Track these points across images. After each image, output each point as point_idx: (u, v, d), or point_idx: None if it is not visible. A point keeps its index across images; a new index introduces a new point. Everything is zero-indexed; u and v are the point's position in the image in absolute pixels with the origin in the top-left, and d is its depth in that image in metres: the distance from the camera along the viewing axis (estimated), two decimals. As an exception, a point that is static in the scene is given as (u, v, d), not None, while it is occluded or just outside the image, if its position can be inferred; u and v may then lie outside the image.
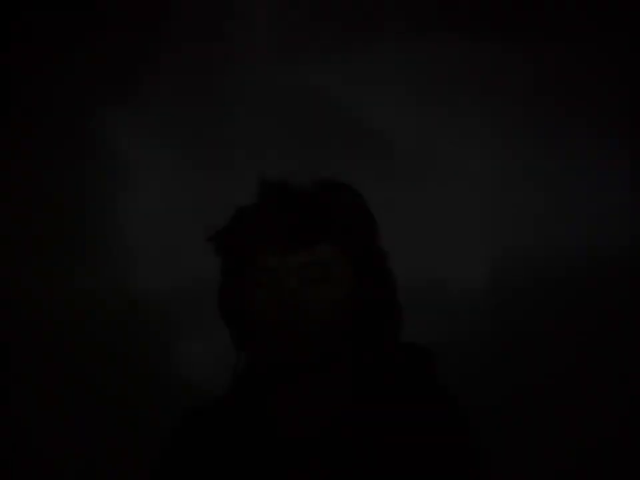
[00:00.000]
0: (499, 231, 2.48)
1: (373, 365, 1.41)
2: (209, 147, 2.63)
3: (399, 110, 2.53)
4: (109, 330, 2.62)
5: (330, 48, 2.58)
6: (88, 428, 2.59)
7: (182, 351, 2.61)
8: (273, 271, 1.35)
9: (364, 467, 1.33)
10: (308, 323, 1.33)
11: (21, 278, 2.67)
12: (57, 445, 2.60)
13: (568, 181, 2.46)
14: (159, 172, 2.66)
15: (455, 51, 2.51)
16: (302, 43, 2.58)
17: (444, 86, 2.53)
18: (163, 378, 2.59)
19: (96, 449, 2.57)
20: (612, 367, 2.38)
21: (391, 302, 1.41)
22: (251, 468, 1.38)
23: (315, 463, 1.36)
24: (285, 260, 1.34)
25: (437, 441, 1.33)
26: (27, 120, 2.71)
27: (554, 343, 2.41)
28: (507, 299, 2.45)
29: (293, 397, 1.40)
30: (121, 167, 2.69)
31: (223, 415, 1.44)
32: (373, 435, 1.34)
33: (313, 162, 2.48)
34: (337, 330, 1.36)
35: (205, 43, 2.65)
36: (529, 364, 2.40)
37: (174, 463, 1.44)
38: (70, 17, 2.70)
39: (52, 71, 2.70)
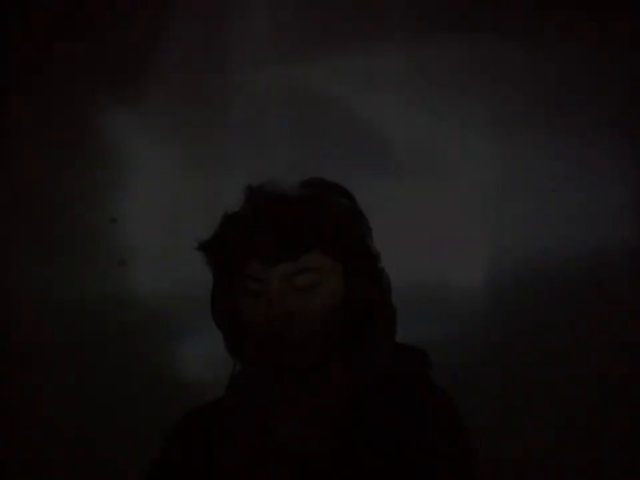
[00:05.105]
0: (499, 231, 2.48)
1: (367, 366, 1.41)
2: (209, 147, 2.63)
3: (398, 110, 2.53)
4: (109, 331, 2.62)
5: (329, 48, 2.58)
6: (87, 428, 2.59)
7: (182, 352, 2.61)
8: (261, 280, 1.34)
9: (361, 468, 1.33)
10: (295, 331, 1.33)
11: (18, 278, 2.67)
12: (57, 445, 2.60)
13: (568, 181, 2.46)
14: (159, 172, 2.66)
15: (455, 50, 2.51)
16: (301, 43, 2.58)
17: (444, 86, 2.52)
18: (163, 378, 2.59)
19: (95, 449, 2.57)
20: (612, 367, 2.38)
21: (384, 303, 1.41)
22: (247, 469, 1.39)
23: (312, 465, 1.36)
24: (273, 269, 1.33)
25: (433, 441, 1.33)
26: (27, 120, 2.71)
27: (554, 343, 2.41)
28: (506, 299, 2.45)
29: (287, 400, 1.40)
30: (121, 167, 2.69)
31: (221, 416, 1.45)
32: (369, 436, 1.34)
33: (312, 162, 2.48)
34: (328, 334, 1.36)
35: (205, 42, 2.65)
36: (528, 364, 2.40)
37: (173, 463, 1.45)
38: (70, 16, 2.70)
39: (52, 71, 2.70)
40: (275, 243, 1.32)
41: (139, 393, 2.56)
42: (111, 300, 2.62)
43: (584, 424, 2.37)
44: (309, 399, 1.39)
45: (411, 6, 2.54)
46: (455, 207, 2.50)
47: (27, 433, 2.63)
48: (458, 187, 2.50)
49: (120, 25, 2.68)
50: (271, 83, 2.59)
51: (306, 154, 2.54)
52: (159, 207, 2.64)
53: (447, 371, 1.48)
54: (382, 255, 1.44)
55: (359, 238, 1.39)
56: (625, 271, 2.41)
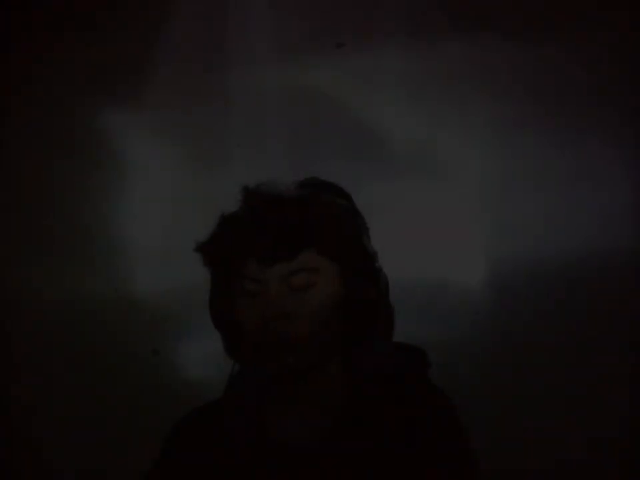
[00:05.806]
0: (499, 230, 2.48)
1: (365, 366, 1.40)
2: (209, 147, 2.63)
3: (398, 110, 2.53)
4: (109, 331, 2.62)
5: (329, 48, 2.58)
6: (87, 428, 2.59)
7: (182, 352, 2.61)
8: (258, 281, 1.34)
9: (361, 468, 1.33)
10: (292, 332, 1.33)
11: (18, 278, 2.67)
12: (57, 445, 2.60)
13: (568, 181, 2.46)
14: (159, 172, 2.66)
15: (455, 50, 2.51)
16: (301, 43, 2.58)
17: (444, 86, 2.52)
18: (163, 378, 2.59)
19: (95, 449, 2.57)
20: (612, 367, 2.38)
21: (382, 302, 1.41)
22: (245, 470, 1.39)
23: (312, 465, 1.36)
24: (269, 270, 1.33)
25: (432, 442, 1.33)
26: (27, 120, 2.71)
27: (554, 343, 2.41)
28: (506, 299, 2.44)
29: (286, 400, 1.40)
30: (120, 167, 2.68)
31: (221, 416, 1.45)
32: (369, 436, 1.34)
33: (312, 162, 2.48)
34: (326, 334, 1.36)
35: (205, 42, 2.65)
36: (528, 365, 2.40)
37: (173, 463, 1.45)
38: (70, 16, 2.70)
39: (52, 71, 2.70)
40: (271, 244, 1.32)
41: (138, 393, 2.56)
42: (111, 300, 2.62)
43: (584, 424, 2.36)
44: (308, 399, 1.39)
45: (411, 6, 2.54)
46: (455, 207, 2.50)
47: (27, 433, 2.63)
48: (458, 187, 2.50)
49: (120, 24, 2.68)
50: (271, 83, 2.59)
51: (306, 154, 2.54)
52: (158, 207, 2.64)
53: (447, 371, 1.48)
54: (382, 255, 1.44)
55: (355, 238, 1.39)
56: (625, 270, 2.41)
